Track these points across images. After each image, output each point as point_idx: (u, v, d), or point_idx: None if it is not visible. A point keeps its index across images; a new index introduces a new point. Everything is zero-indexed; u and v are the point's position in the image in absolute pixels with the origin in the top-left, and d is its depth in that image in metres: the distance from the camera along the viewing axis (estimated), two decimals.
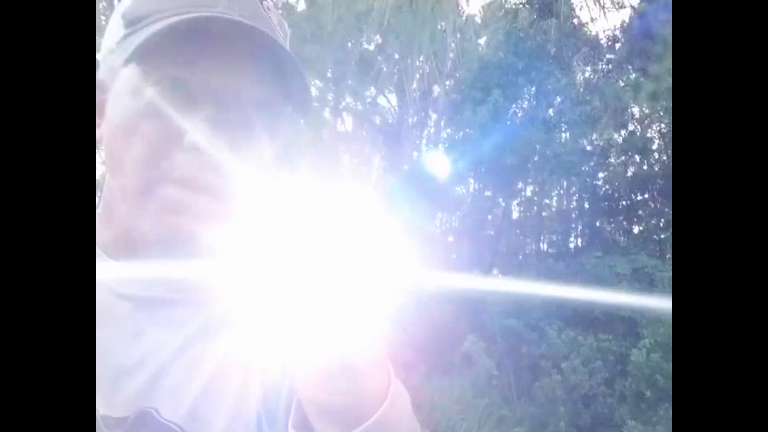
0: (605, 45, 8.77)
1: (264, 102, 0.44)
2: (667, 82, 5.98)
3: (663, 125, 7.16)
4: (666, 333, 4.53)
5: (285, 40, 0.49)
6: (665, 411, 4.10)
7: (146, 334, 0.46)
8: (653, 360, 4.38)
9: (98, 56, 0.48)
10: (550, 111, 7.16)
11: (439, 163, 7.05)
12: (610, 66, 8.47)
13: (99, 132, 0.45)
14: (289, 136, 0.56)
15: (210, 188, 0.42)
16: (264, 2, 0.46)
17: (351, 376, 0.32)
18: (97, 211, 0.50)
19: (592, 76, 8.43)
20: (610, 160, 6.97)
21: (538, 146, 6.66)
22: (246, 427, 0.46)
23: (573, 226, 8.59)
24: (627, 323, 5.29)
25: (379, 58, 7.02)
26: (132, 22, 0.42)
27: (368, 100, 8.33)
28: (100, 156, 0.49)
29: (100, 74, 0.46)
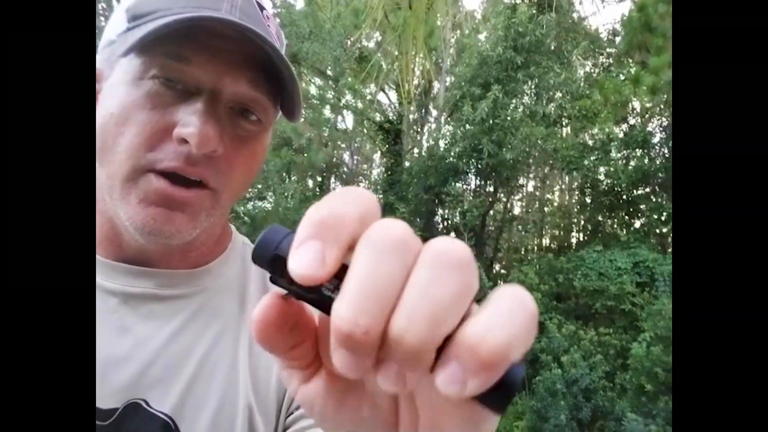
0: (605, 39, 8.74)
1: (255, 102, 0.45)
2: (667, 75, 5.96)
3: (664, 119, 7.15)
4: (666, 326, 4.54)
5: (281, 49, 0.49)
6: (665, 404, 4.12)
7: (133, 328, 0.46)
8: (653, 353, 4.39)
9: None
10: (551, 106, 7.14)
11: (439, 159, 7.05)
12: (610, 60, 8.45)
13: None
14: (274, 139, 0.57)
15: (194, 182, 0.43)
16: (264, 11, 0.47)
17: None
18: None
19: (592, 71, 8.41)
20: (611, 154, 6.95)
21: (539, 141, 6.65)
22: (235, 415, 0.47)
23: (574, 220, 8.59)
24: (627, 317, 5.30)
25: (379, 55, 7.00)
26: (135, 17, 0.42)
27: (368, 97, 8.33)
28: None
29: (97, 64, 0.47)
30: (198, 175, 0.42)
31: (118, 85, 0.43)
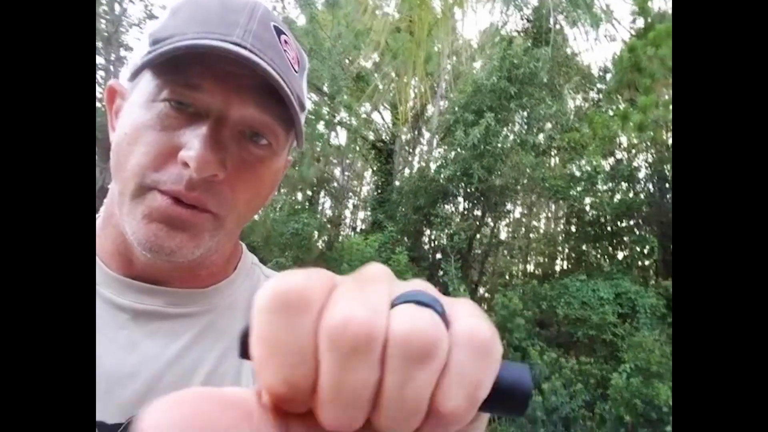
0: (596, 75, 9.02)
1: (265, 126, 0.45)
2: (654, 114, 6.16)
3: (649, 155, 7.35)
4: (646, 358, 4.58)
5: (301, 74, 0.50)
6: None
7: (141, 344, 0.47)
8: (633, 385, 4.41)
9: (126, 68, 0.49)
10: (540, 136, 7.30)
11: (429, 180, 7.12)
12: (600, 95, 8.71)
13: (112, 136, 0.47)
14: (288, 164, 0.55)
15: (194, 205, 0.43)
16: (282, 36, 0.46)
17: None
18: (99, 217, 0.51)
19: (582, 105, 8.65)
20: (597, 186, 7.10)
21: (528, 170, 6.78)
22: None
23: (559, 248, 8.70)
24: (608, 347, 5.33)
25: (376, 75, 7.13)
26: (156, 42, 0.44)
27: (363, 115, 8.43)
28: (99, 165, 0.49)
29: (126, 84, 0.48)
30: (195, 201, 0.43)
31: (134, 106, 0.45)
